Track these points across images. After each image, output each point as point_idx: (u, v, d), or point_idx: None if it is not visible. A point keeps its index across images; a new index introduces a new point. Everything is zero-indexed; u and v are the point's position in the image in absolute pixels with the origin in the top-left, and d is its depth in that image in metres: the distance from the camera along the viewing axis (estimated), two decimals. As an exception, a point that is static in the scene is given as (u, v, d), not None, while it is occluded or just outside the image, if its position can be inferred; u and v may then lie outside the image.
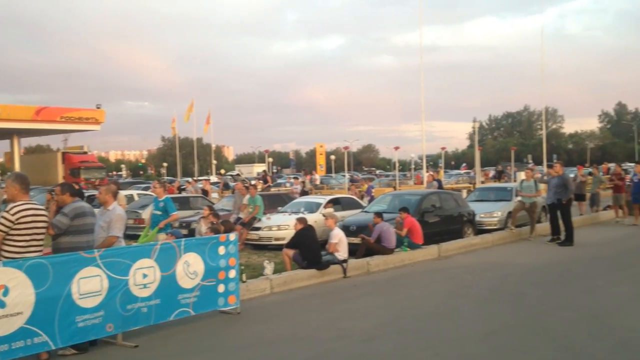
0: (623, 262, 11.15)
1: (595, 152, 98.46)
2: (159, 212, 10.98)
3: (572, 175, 18.81)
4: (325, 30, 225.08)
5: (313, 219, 13.89)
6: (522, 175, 17.51)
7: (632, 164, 20.64)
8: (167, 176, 63.49)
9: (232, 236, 7.80)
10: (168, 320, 6.84)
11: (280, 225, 14.38)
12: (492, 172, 46.49)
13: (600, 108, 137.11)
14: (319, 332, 6.92)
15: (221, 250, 7.49)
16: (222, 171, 62.67)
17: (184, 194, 22.21)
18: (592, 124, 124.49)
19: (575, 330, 6.61)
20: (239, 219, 14.91)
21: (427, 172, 32.98)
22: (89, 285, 5.97)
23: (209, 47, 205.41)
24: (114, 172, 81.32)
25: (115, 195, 7.41)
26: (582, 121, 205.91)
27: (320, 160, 54.03)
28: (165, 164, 73.09)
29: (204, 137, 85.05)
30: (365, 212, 14.80)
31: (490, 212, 16.24)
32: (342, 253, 10.38)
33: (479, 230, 15.26)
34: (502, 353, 5.93)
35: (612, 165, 33.62)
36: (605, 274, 9.96)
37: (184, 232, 13.75)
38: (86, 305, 5.94)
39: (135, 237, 12.53)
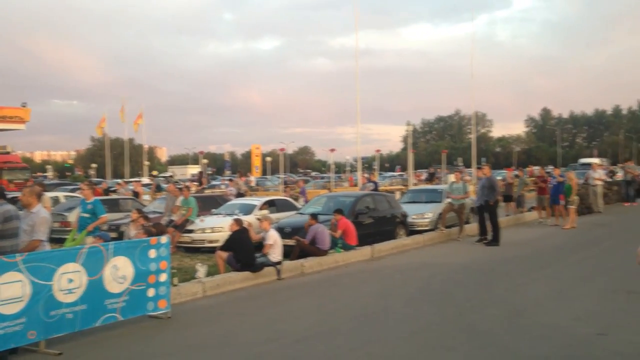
0: (543, 261, 11.72)
1: (521, 156, 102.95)
2: (86, 215, 10.64)
3: (499, 178, 19.58)
4: (261, 31, 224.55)
5: (248, 221, 13.79)
6: (451, 177, 18.04)
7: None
8: (97, 177, 61.42)
9: (164, 239, 7.66)
10: (95, 327, 6.65)
11: (214, 227, 14.20)
12: (424, 175, 47.65)
13: (526, 113, 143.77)
14: (251, 335, 6.90)
15: (152, 253, 7.34)
16: (155, 172, 61.25)
17: (114, 196, 21.55)
18: (518, 129, 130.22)
19: (499, 327, 6.90)
20: (171, 221, 14.64)
21: (363, 174, 33.45)
22: (10, 291, 5.72)
23: (141, 46, 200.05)
24: (39, 173, 77.84)
25: (39, 197, 7.17)
26: (509, 126, 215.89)
27: (256, 162, 53.87)
28: (94, 165, 70.61)
29: (136, 138, 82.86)
30: (300, 213, 14.86)
31: (421, 214, 16.68)
32: (276, 255, 10.38)
33: (411, 231, 15.62)
34: (430, 351, 6.12)
35: (536, 168, 35.25)
36: (527, 272, 10.43)
37: (113, 235, 13.36)
38: (6, 312, 5.70)
39: (61, 241, 12.08)
